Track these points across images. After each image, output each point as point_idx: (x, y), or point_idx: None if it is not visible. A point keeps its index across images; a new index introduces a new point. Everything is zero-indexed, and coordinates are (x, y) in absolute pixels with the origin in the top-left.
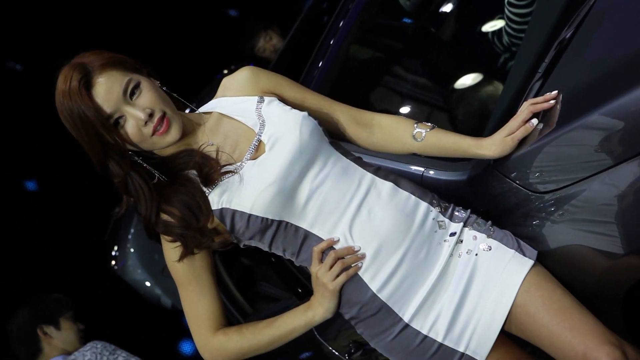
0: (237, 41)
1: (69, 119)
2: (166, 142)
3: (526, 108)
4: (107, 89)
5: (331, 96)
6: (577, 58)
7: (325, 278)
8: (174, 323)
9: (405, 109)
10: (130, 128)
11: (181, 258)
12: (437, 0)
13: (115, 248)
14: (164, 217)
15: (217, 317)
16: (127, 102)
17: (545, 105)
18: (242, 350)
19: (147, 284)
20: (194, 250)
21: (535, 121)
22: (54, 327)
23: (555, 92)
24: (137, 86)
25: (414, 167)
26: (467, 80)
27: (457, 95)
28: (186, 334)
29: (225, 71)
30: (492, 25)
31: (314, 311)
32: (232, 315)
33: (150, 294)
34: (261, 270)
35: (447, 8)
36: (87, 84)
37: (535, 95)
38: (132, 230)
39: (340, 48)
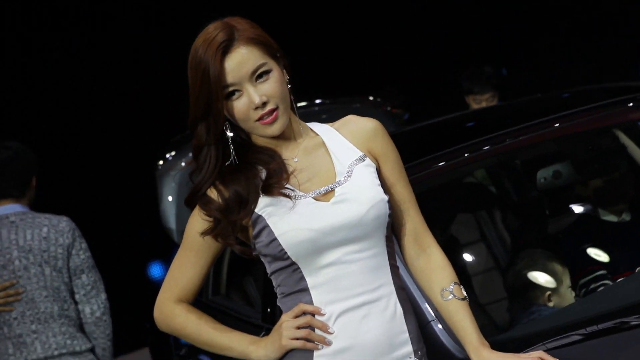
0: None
1: (194, 67)
2: (265, 132)
3: (534, 356)
4: (240, 61)
5: (428, 190)
6: None
7: (285, 331)
8: (159, 244)
9: (471, 245)
10: (241, 105)
11: (203, 234)
12: (567, 198)
13: (173, 153)
14: (212, 194)
15: (190, 291)
16: (251, 82)
17: None
18: (183, 331)
19: (170, 198)
20: (217, 238)
21: None
22: (35, 181)
23: None
24: (267, 72)
25: (429, 309)
26: (534, 276)
27: (514, 278)
28: (161, 259)
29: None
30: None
31: (256, 349)
32: (206, 285)
33: (164, 206)
34: (258, 268)
35: (575, 208)
36: (226, 48)
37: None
38: None
39: (468, 164)
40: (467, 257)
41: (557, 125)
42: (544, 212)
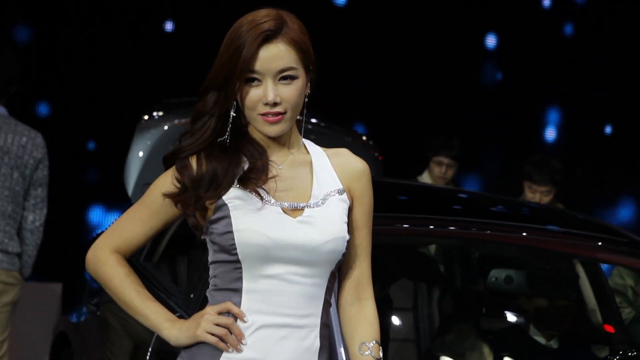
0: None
1: (230, 39)
2: (262, 129)
3: None
4: (275, 55)
5: (382, 245)
6: None
7: (204, 323)
8: (106, 190)
9: (401, 312)
10: (254, 95)
11: (166, 196)
12: (508, 305)
13: (160, 113)
14: (192, 161)
15: (131, 247)
16: (274, 79)
17: None
18: (108, 282)
19: (140, 153)
20: (177, 205)
21: None
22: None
23: None
24: (293, 77)
25: (343, 355)
26: (460, 351)
27: (441, 347)
28: (104, 204)
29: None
30: None
31: (170, 327)
32: (142, 248)
33: (132, 158)
34: (201, 256)
35: (511, 317)
36: (268, 37)
37: None
38: (182, 120)
39: (429, 237)
40: (394, 321)
41: (524, 234)
42: (481, 309)
